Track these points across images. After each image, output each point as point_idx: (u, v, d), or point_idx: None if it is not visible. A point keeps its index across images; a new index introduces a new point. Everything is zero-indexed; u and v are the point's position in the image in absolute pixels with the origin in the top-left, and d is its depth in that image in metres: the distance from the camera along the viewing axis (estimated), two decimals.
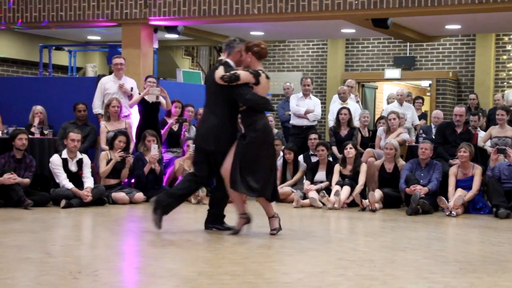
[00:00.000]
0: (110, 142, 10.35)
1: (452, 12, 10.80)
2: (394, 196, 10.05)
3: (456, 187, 9.69)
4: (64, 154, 9.69)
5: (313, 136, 11.27)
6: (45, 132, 10.86)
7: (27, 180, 9.49)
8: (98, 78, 11.64)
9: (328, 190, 10.19)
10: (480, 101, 15.08)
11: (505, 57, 16.66)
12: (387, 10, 10.79)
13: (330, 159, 10.99)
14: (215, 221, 7.41)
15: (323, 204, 10.02)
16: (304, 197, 10.30)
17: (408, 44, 17.06)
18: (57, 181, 9.59)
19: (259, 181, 7.03)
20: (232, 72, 7.02)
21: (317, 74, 18.10)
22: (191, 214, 8.94)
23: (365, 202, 9.72)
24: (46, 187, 9.92)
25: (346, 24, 12.85)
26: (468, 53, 16.91)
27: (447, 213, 9.31)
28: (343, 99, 12.48)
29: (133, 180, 10.64)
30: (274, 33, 14.66)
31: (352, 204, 9.99)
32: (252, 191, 7.07)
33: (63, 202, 9.32)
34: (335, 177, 10.34)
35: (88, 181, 9.67)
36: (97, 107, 11.31)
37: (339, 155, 10.89)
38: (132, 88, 11.30)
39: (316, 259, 6.07)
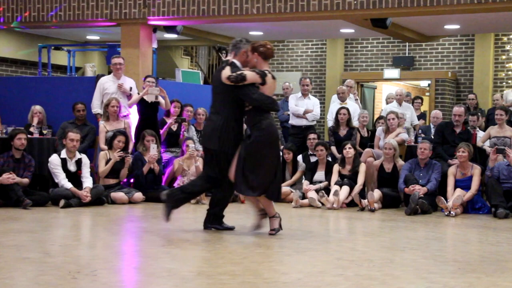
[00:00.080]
0: (109, 142, 10.35)
1: (451, 12, 10.81)
2: (393, 196, 10.05)
3: (455, 187, 9.70)
4: (63, 154, 9.69)
5: (312, 136, 11.27)
6: (44, 132, 10.86)
7: (26, 180, 9.49)
8: (97, 78, 11.64)
9: (327, 190, 10.19)
10: (479, 101, 15.10)
11: (504, 57, 16.66)
12: (386, 10, 10.79)
13: (329, 159, 10.99)
14: (214, 221, 7.41)
15: (322, 204, 10.02)
16: (303, 197, 10.31)
17: (407, 44, 17.06)
18: (56, 181, 9.59)
19: (261, 180, 7.04)
20: (238, 72, 7.05)
21: (316, 74, 18.10)
22: (190, 214, 8.94)
23: (364, 202, 9.72)
24: (45, 187, 9.91)
25: (345, 24, 12.86)
26: (467, 53, 16.92)
27: (446, 213, 9.32)
28: (342, 99, 12.48)
29: (132, 180, 10.64)
30: (273, 33, 14.66)
31: (351, 204, 9.99)
32: (253, 191, 7.08)
33: (62, 202, 9.32)
34: (334, 177, 10.34)
35: (87, 181, 9.67)
36: (96, 107, 11.31)
37: (338, 155, 10.89)
38: (131, 88, 11.31)
39: (315, 259, 6.07)
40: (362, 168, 10.29)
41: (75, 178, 9.64)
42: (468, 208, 9.64)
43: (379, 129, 11.50)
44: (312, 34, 16.09)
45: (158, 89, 11.02)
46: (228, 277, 5.19)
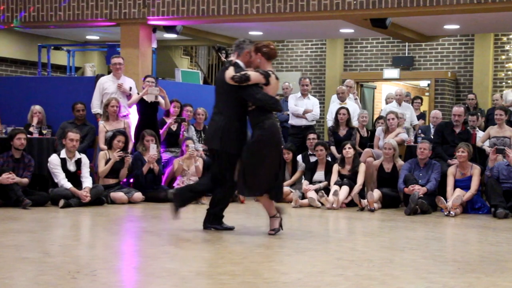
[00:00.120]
0: (109, 142, 10.35)
1: (450, 12, 10.81)
2: (392, 196, 10.05)
3: (455, 187, 9.70)
4: (63, 154, 9.68)
5: (311, 136, 11.27)
6: (44, 131, 10.85)
7: (25, 180, 9.49)
8: (97, 77, 11.64)
9: (326, 190, 10.19)
10: (479, 101, 15.10)
11: (503, 57, 16.66)
12: (386, 10, 10.79)
13: (329, 159, 10.99)
14: (214, 221, 7.41)
15: (322, 204, 10.02)
16: (303, 197, 10.31)
17: (406, 44, 17.06)
18: (56, 181, 9.59)
19: (261, 180, 7.05)
20: (242, 72, 7.06)
21: (315, 74, 18.10)
22: (190, 214, 8.93)
23: (364, 202, 9.72)
24: (45, 187, 9.91)
25: (344, 24, 12.85)
26: (467, 53, 16.92)
27: (446, 213, 9.32)
28: (342, 99, 12.48)
29: (131, 180, 10.64)
30: (272, 33, 14.66)
31: (350, 204, 9.99)
32: (253, 191, 7.09)
33: (61, 202, 9.32)
34: (334, 177, 10.34)
35: (87, 181, 9.67)
36: (96, 107, 11.31)
37: (337, 155, 10.89)
38: (130, 88, 11.31)
39: (314, 259, 6.07)
40: (362, 168, 10.29)
41: (74, 178, 9.64)
42: (468, 208, 9.64)
43: (379, 129, 11.50)
44: (312, 34, 16.09)
45: (157, 89, 11.01)
46: (228, 277, 5.18)
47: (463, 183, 9.70)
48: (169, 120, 11.32)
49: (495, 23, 13.02)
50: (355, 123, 11.84)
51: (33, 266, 5.49)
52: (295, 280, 5.19)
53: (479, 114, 12.68)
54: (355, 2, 10.78)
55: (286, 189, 10.48)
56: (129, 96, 11.24)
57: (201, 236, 7.16)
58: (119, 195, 9.97)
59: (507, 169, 9.55)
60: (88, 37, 16.30)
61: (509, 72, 16.64)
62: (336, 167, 10.41)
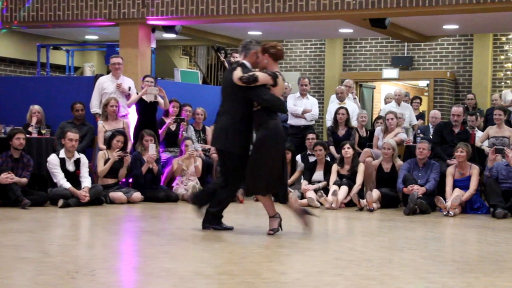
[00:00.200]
0: (108, 142, 10.35)
1: (449, 12, 10.81)
2: (391, 196, 10.06)
3: (454, 187, 9.70)
4: (62, 153, 9.68)
5: (310, 136, 11.27)
6: (43, 131, 10.85)
7: (24, 180, 9.49)
8: (96, 77, 11.64)
9: (325, 190, 10.20)
10: (478, 101, 15.10)
11: (502, 57, 16.67)
12: (385, 10, 10.79)
13: (328, 159, 10.99)
14: (213, 221, 7.41)
15: (321, 204, 10.02)
16: (302, 197, 10.31)
17: (406, 44, 17.07)
18: (55, 180, 9.58)
19: (261, 179, 7.05)
20: (250, 73, 7.07)
21: (315, 74, 18.11)
22: (189, 214, 8.93)
23: (363, 202, 9.72)
24: (44, 187, 9.91)
25: (344, 24, 12.85)
26: (466, 53, 16.93)
27: (445, 213, 9.32)
28: (341, 99, 12.48)
29: (130, 180, 10.64)
30: (272, 33, 14.66)
31: (349, 204, 10.00)
32: (253, 190, 7.09)
33: (60, 202, 9.31)
34: (333, 177, 10.34)
35: (86, 181, 9.67)
36: (95, 107, 11.30)
37: (336, 155, 10.89)
38: (130, 88, 11.30)
39: (313, 259, 6.07)
40: (361, 168, 10.29)
41: (73, 178, 9.64)
42: (467, 208, 9.64)
43: (378, 129, 11.50)
44: (311, 34, 16.09)
45: (157, 89, 11.01)
46: (227, 277, 5.19)
47: (462, 183, 9.70)
48: (168, 120, 11.31)
49: (494, 23, 13.02)
50: (354, 123, 11.83)
51: (32, 266, 5.49)
52: (294, 280, 5.19)
53: (478, 114, 12.69)
54: (354, 2, 10.78)
55: None
56: (128, 96, 11.23)
57: (200, 236, 7.16)
58: (118, 195, 9.96)
59: (506, 169, 9.55)
60: (87, 37, 16.29)
61: (508, 72, 16.65)
62: (335, 167, 10.41)
